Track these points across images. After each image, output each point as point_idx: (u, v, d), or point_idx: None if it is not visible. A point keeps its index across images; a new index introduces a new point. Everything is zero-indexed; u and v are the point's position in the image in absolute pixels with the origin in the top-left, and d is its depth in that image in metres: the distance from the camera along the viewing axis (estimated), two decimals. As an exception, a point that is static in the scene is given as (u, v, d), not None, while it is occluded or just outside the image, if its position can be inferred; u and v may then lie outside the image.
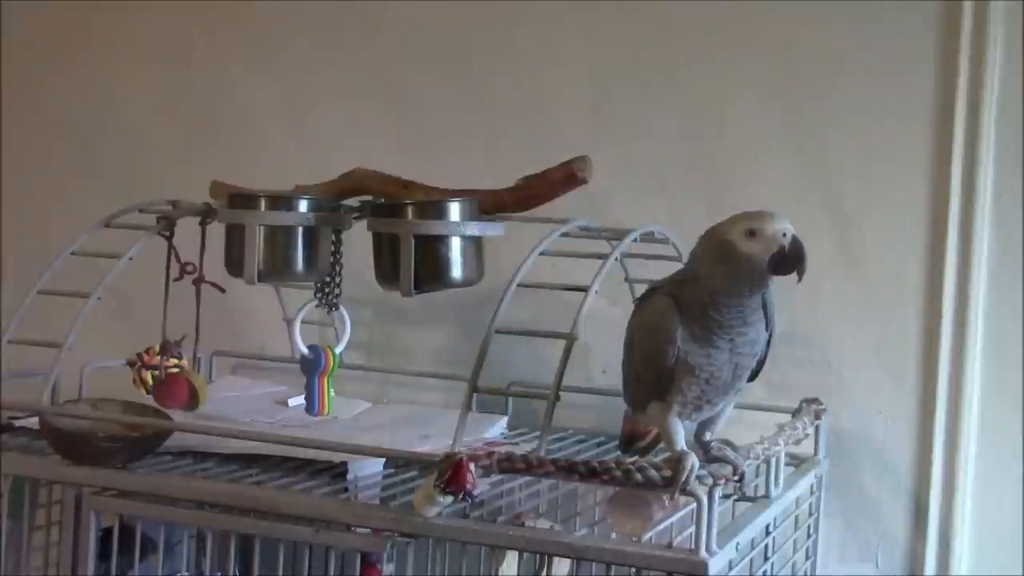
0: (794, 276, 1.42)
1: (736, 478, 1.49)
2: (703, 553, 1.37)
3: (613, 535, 1.44)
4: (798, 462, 1.85)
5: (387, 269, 1.78)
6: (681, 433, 1.50)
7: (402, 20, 2.30)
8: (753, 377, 1.55)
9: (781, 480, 1.67)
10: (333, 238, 1.91)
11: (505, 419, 2.05)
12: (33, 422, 1.78)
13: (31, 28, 2.60)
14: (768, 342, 1.53)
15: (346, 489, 1.63)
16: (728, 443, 1.54)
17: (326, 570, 1.58)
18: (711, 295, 1.44)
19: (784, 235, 1.41)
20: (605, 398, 1.95)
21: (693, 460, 1.38)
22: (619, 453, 1.74)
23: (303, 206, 1.83)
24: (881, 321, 2.01)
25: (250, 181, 2.00)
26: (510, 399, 2.07)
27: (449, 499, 1.43)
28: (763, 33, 2.07)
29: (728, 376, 1.49)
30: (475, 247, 1.79)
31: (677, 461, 1.39)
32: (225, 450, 1.73)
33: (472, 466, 1.41)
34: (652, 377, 1.49)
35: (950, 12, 1.96)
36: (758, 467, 1.60)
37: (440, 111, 2.27)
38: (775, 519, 1.67)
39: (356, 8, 2.33)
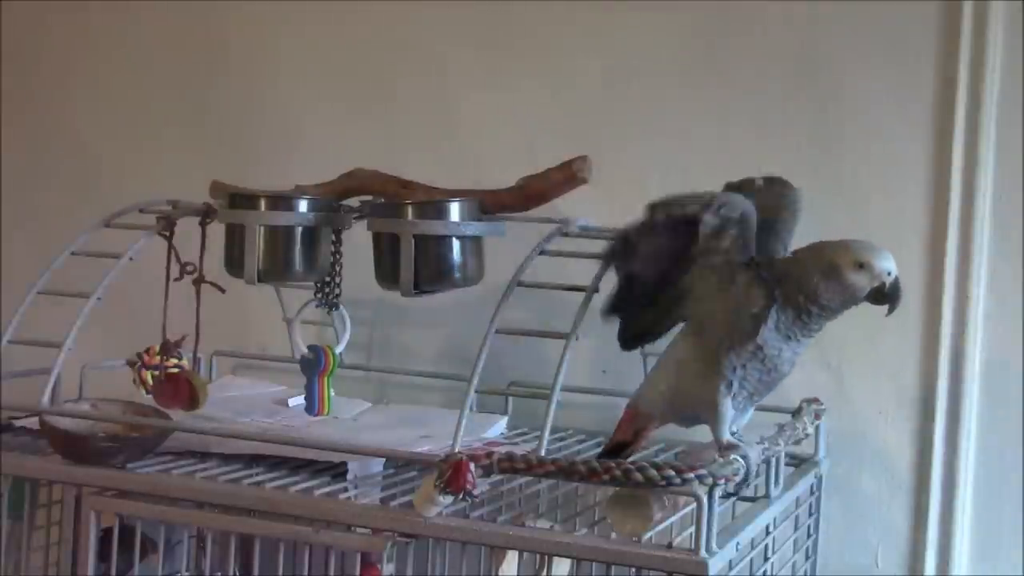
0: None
1: (740, 478, 1.49)
2: (703, 553, 1.37)
3: (613, 535, 1.44)
4: (798, 462, 1.86)
5: (387, 269, 1.77)
6: (729, 419, 1.52)
7: (405, 20, 2.30)
8: None
9: (781, 480, 1.67)
10: (333, 238, 1.91)
11: (505, 419, 2.05)
12: (33, 422, 1.78)
13: (31, 28, 2.60)
14: None
15: (346, 489, 1.63)
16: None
17: (326, 570, 1.57)
18: (808, 302, 1.49)
19: (889, 274, 1.48)
20: (605, 398, 1.95)
21: (754, 453, 1.43)
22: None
23: (303, 206, 1.83)
24: (881, 321, 2.00)
25: (250, 181, 2.00)
26: (510, 399, 2.07)
27: (449, 499, 1.43)
28: (763, 33, 2.06)
29: (784, 372, 1.52)
30: (475, 247, 1.79)
31: (739, 456, 1.43)
32: (225, 450, 1.73)
33: (472, 466, 1.41)
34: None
35: (950, 12, 1.96)
36: (758, 467, 1.60)
37: (440, 111, 2.27)
38: (775, 519, 1.67)
39: (355, 7, 2.33)
